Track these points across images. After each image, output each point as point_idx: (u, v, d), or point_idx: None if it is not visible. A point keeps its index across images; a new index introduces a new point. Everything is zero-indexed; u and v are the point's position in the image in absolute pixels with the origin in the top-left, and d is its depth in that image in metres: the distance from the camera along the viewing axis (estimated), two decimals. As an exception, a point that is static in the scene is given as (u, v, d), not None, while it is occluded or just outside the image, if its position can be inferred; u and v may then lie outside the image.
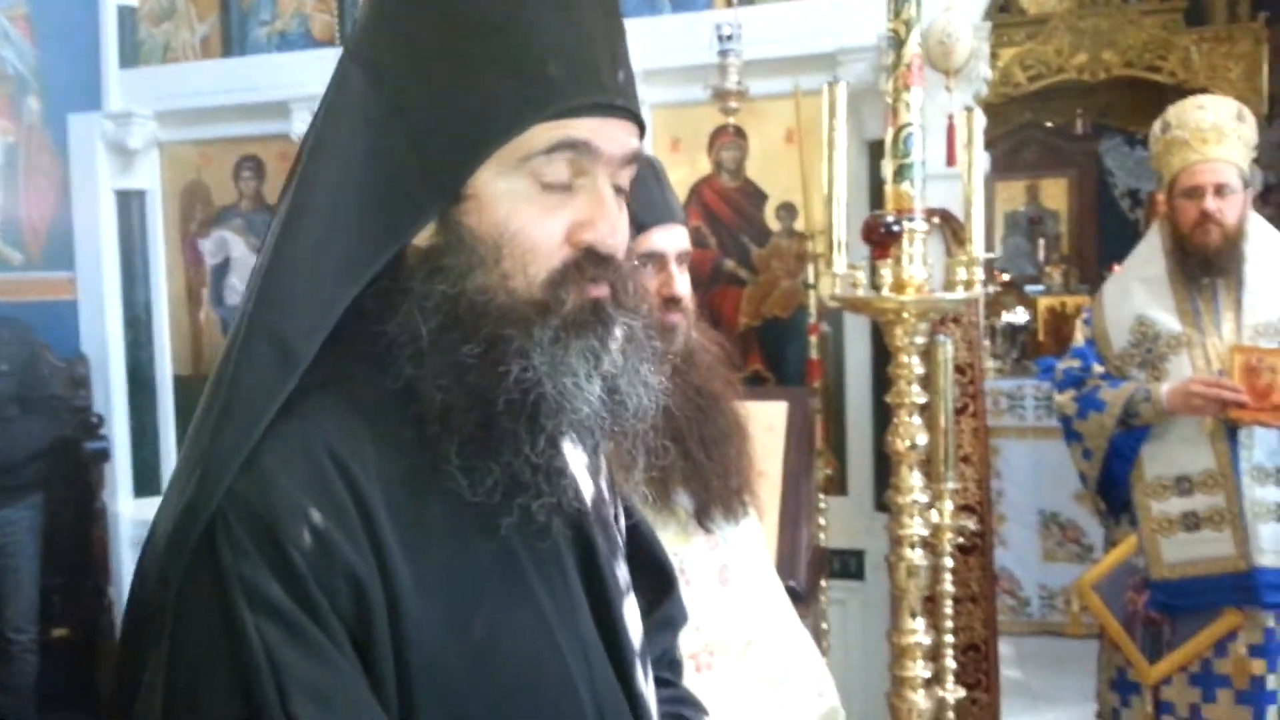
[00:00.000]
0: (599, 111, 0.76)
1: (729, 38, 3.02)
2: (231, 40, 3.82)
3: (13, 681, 3.34)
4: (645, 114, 3.62)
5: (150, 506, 3.90)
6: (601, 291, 0.78)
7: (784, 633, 1.62)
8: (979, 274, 1.93)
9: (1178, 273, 2.50)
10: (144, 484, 3.93)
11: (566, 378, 0.75)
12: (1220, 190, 2.42)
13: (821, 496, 2.94)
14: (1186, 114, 2.50)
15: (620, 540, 0.94)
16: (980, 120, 2.05)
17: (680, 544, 1.47)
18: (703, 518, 1.48)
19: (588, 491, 0.87)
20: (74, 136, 3.89)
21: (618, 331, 0.78)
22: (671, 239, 1.51)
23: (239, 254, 3.85)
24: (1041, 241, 7.49)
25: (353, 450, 0.71)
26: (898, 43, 1.84)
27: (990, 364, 5.20)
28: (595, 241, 0.77)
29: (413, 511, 0.73)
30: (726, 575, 1.54)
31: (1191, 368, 2.42)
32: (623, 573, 0.90)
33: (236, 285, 3.86)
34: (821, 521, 2.93)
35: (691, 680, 1.43)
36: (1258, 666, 2.38)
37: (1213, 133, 2.44)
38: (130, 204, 3.91)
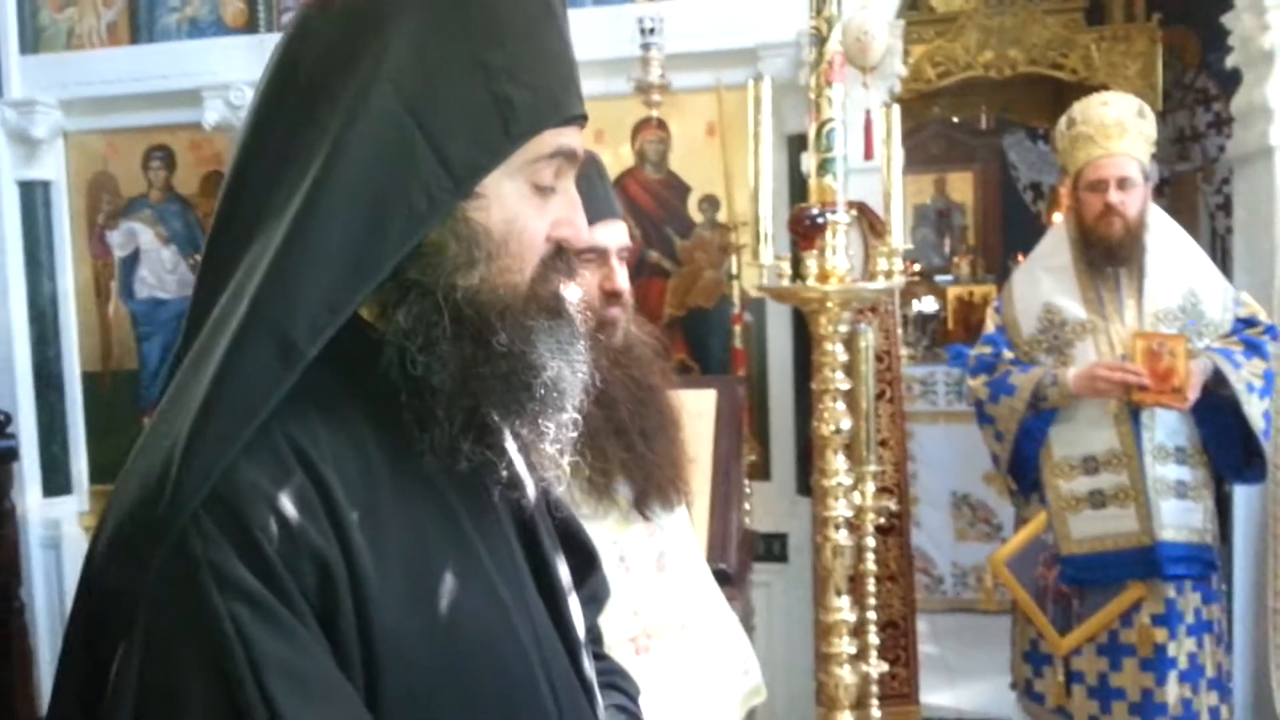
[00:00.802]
0: (577, 122, 0.85)
1: (651, 31, 3.06)
2: (139, 26, 3.70)
3: (-84, 690, 3.21)
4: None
5: (61, 506, 3.81)
6: (568, 285, 0.85)
7: (714, 615, 1.68)
8: (898, 265, 2.00)
9: (1082, 262, 2.59)
10: (53, 483, 3.82)
11: (557, 361, 0.82)
12: (1123, 184, 2.51)
13: (746, 482, 3.01)
14: (1091, 110, 2.58)
15: (555, 536, 0.99)
16: (898, 116, 2.13)
17: (620, 532, 1.51)
18: (641, 506, 1.51)
19: (530, 487, 0.93)
20: (-27, 126, 3.75)
21: (579, 321, 0.86)
22: (614, 234, 1.54)
23: (148, 245, 3.75)
24: (949, 233, 7.72)
25: (313, 441, 0.74)
26: (819, 40, 1.90)
27: (903, 351, 5.35)
28: (570, 237, 0.85)
29: (373, 498, 0.76)
30: (664, 561, 1.58)
31: (1096, 353, 2.52)
32: (564, 571, 0.95)
33: (146, 277, 3.76)
34: (746, 506, 3.00)
35: (630, 662, 1.47)
36: (1160, 635, 2.49)
37: (1115, 128, 2.53)
38: (34, 195, 3.77)
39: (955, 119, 7.04)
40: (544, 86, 0.81)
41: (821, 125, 1.92)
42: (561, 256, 0.84)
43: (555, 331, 0.83)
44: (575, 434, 0.87)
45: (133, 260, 3.77)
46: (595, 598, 1.10)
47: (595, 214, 1.51)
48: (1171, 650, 2.50)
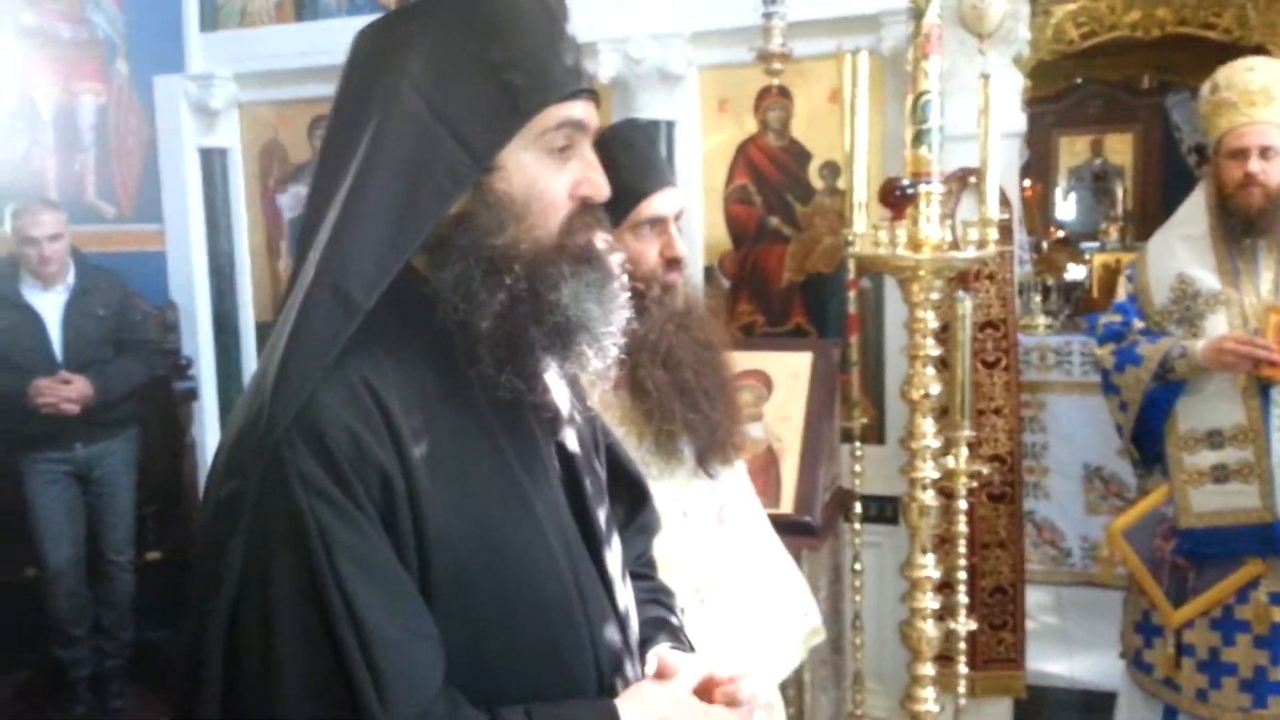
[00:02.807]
0: (584, 95, 1.00)
1: (773, 0, 3.10)
2: (304, 4, 4.02)
3: (113, 598, 3.63)
4: (693, 76, 3.73)
5: (235, 443, 4.21)
6: (598, 236, 1.00)
7: (773, 563, 1.77)
8: (993, 234, 2.03)
9: (1219, 232, 2.53)
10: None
11: (587, 303, 0.97)
12: (1265, 152, 2.44)
13: (859, 445, 3.07)
14: (1235, 75, 2.50)
15: (599, 469, 1.14)
16: (1014, 84, 2.13)
17: (684, 488, 1.61)
18: (704, 464, 1.61)
19: (572, 419, 1.09)
20: (159, 97, 4.14)
21: (611, 266, 1.00)
22: (671, 202, 1.63)
23: (311, 208, 4.08)
24: (1105, 197, 7.39)
25: (380, 376, 0.92)
26: (917, 14, 1.94)
27: (1042, 320, 5.22)
28: (592, 194, 1.00)
29: (428, 422, 0.93)
30: (724, 514, 1.68)
31: (1228, 325, 2.46)
32: (604, 506, 1.10)
33: (312, 239, 4.09)
34: (857, 468, 3.06)
35: (695, 611, 1.60)
36: (1277, 614, 2.45)
37: (1260, 95, 2.45)
38: (213, 161, 4.15)
39: (1114, 79, 6.71)
40: (543, 70, 0.96)
41: (918, 97, 1.97)
42: (587, 211, 1.00)
43: (585, 276, 0.97)
44: (616, 366, 1.01)
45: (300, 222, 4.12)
46: (647, 528, 1.25)
47: (653, 183, 1.61)
48: (1289, 629, 2.45)
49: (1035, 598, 4.11)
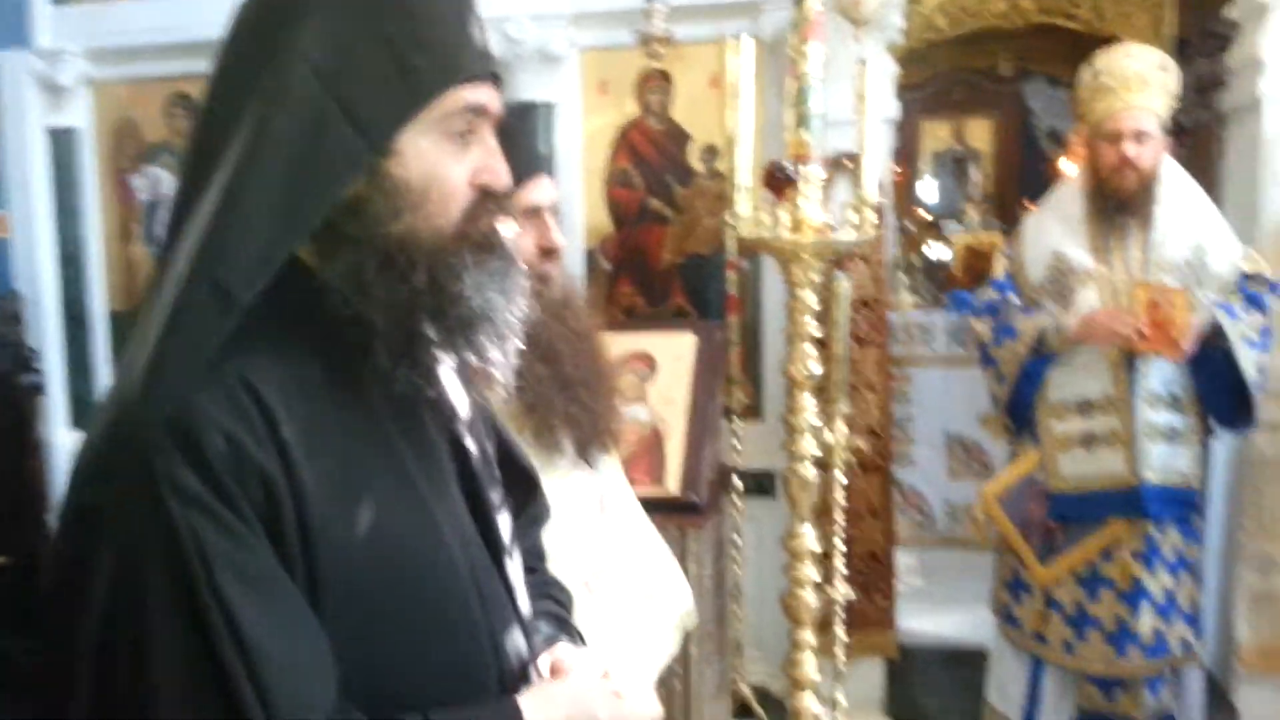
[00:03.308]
0: (488, 79, 0.95)
1: (653, -16, 3.13)
2: (163, -23, 3.82)
3: (-41, 605, 3.43)
4: (574, 57, 3.74)
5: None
6: (501, 224, 0.97)
7: (650, 547, 1.80)
8: (871, 217, 2.10)
9: (1094, 212, 2.62)
10: (80, 416, 3.99)
11: (489, 293, 0.93)
12: (1140, 137, 2.53)
13: (738, 422, 3.15)
14: (1114, 61, 2.59)
15: (495, 466, 1.11)
16: (887, 70, 2.20)
17: (565, 479, 1.60)
18: (585, 454, 1.61)
19: (466, 415, 1.06)
20: (4, 74, 3.88)
21: (513, 254, 0.98)
22: (545, 191, 1.61)
23: (169, 190, 3.90)
24: (972, 180, 7.71)
25: (262, 375, 0.86)
26: (800, -1, 1.98)
27: (908, 298, 5.44)
28: (493, 181, 0.95)
29: (315, 423, 0.88)
30: (605, 503, 1.69)
31: (1099, 301, 2.57)
32: (495, 493, 1.08)
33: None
34: (737, 445, 3.13)
35: (583, 601, 1.61)
36: (1138, 570, 2.59)
37: (1136, 81, 2.54)
38: (61, 141, 3.92)
39: (976, 66, 7.01)
40: (444, 51, 0.91)
41: (800, 81, 2.01)
42: (489, 199, 0.96)
43: (488, 265, 0.94)
44: (515, 358, 0.99)
45: (156, 204, 3.93)
46: (538, 518, 1.24)
47: (523, 172, 1.60)
48: (1148, 584, 2.61)
49: (901, 560, 4.27)
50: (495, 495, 1.07)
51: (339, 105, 0.88)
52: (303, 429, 0.86)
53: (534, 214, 1.61)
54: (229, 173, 0.87)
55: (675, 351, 2.42)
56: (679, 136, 3.44)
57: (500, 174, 0.96)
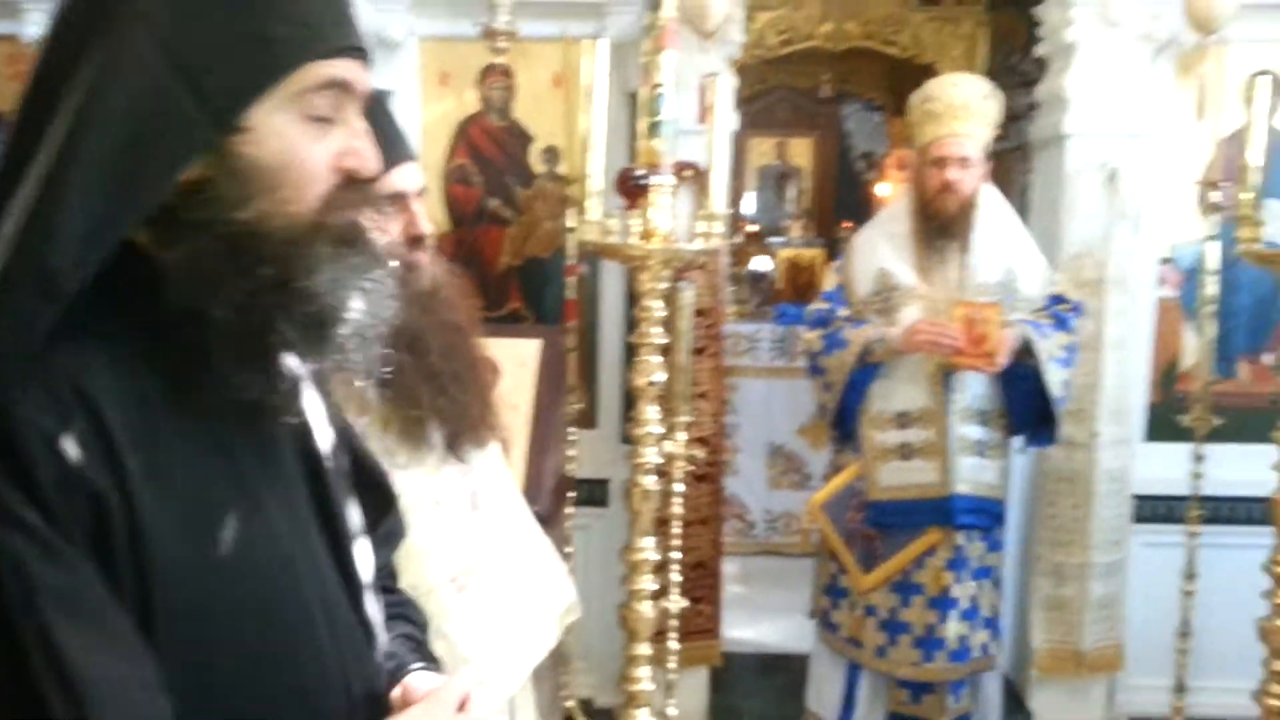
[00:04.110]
0: (350, 53, 0.86)
1: (499, -24, 3.05)
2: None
3: None
4: (413, 45, 3.58)
5: None
6: (365, 216, 0.87)
7: (529, 544, 1.76)
8: (719, 228, 2.11)
9: (919, 232, 2.75)
10: None
11: (347, 290, 0.84)
12: (963, 162, 2.66)
13: (573, 429, 3.11)
14: (943, 89, 2.73)
15: (350, 481, 1.02)
16: (728, 84, 2.22)
17: (434, 475, 1.55)
18: (455, 449, 1.55)
19: (322, 426, 0.96)
20: None
21: (379, 250, 0.89)
22: (412, 177, 1.54)
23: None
24: (787, 196, 8.00)
25: (92, 376, 0.76)
26: (654, 5, 1.97)
27: (734, 308, 5.56)
28: (358, 166, 0.87)
29: (151, 433, 0.78)
30: (477, 499, 1.63)
31: (921, 317, 2.68)
32: (354, 513, 0.99)
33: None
34: (572, 453, 3.09)
35: (453, 601, 1.54)
36: (948, 578, 2.71)
37: (961, 109, 2.67)
38: None
39: (799, 86, 7.27)
40: (306, 20, 0.82)
41: (652, 90, 1.99)
42: (353, 186, 0.87)
43: (347, 259, 0.85)
44: (380, 365, 0.90)
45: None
46: (391, 535, 1.15)
47: (391, 157, 1.52)
48: (955, 592, 2.73)
49: (725, 568, 4.38)
50: (351, 513, 0.99)
51: (182, 75, 0.78)
52: (136, 439, 0.77)
53: (400, 201, 1.53)
54: (56, 146, 0.76)
55: (519, 357, 2.36)
56: (520, 136, 3.37)
57: (367, 158, 0.87)
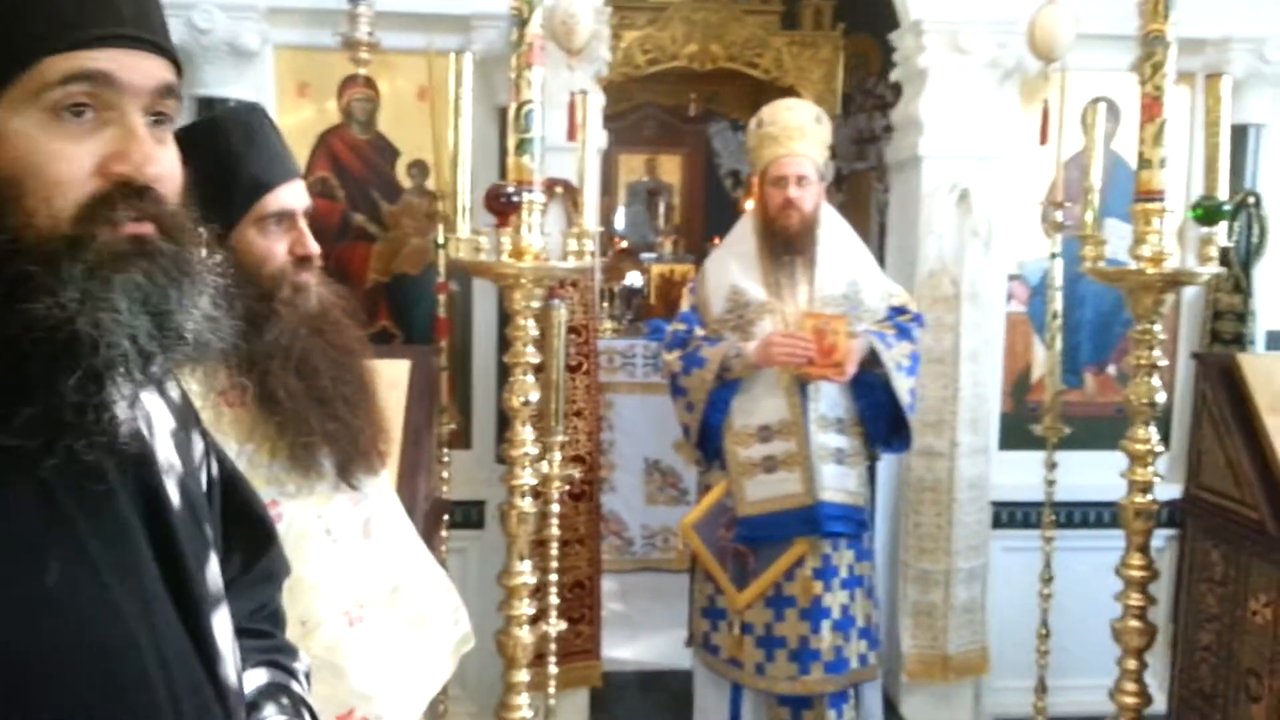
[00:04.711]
0: (118, 43, 0.77)
1: (362, -13, 2.97)
2: None
3: None
4: (269, 54, 3.44)
5: None
6: (144, 228, 0.77)
7: (423, 572, 1.70)
8: (590, 245, 2.10)
9: (765, 250, 2.81)
10: None
11: (105, 313, 0.74)
12: (801, 181, 2.75)
13: (445, 450, 3.03)
14: (777, 113, 2.82)
15: (209, 519, 0.94)
16: (597, 101, 2.22)
17: (325, 505, 1.48)
18: (347, 476, 1.49)
19: (165, 444, 0.87)
20: None
21: (166, 265, 0.78)
22: (298, 195, 1.49)
23: None
24: (657, 212, 8.08)
25: None
26: (520, 22, 1.93)
27: (607, 324, 5.56)
28: (130, 172, 0.77)
29: None
30: (370, 528, 1.57)
31: (774, 330, 2.74)
32: (212, 567, 0.90)
33: None
34: (445, 474, 3.02)
35: (345, 635, 1.46)
36: (817, 588, 2.75)
37: (797, 131, 2.76)
38: None
39: (666, 104, 7.35)
40: (42, 11, 0.74)
41: (521, 106, 1.96)
42: (124, 194, 0.76)
43: (112, 279, 0.75)
44: (203, 390, 0.83)
45: None
46: (271, 575, 1.08)
47: (278, 175, 1.47)
48: (827, 601, 2.77)
49: (603, 587, 4.36)
50: (199, 546, 0.89)
51: None
52: None
53: (287, 219, 1.46)
54: None
55: (389, 377, 2.27)
56: (385, 149, 3.28)
57: (142, 162, 0.77)
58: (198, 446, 0.94)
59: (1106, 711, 2.23)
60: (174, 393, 0.92)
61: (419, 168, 3.28)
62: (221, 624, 0.89)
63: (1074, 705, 3.32)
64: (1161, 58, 1.94)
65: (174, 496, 0.86)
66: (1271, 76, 3.46)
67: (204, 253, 0.83)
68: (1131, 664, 2.16)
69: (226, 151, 1.41)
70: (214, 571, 0.90)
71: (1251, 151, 3.52)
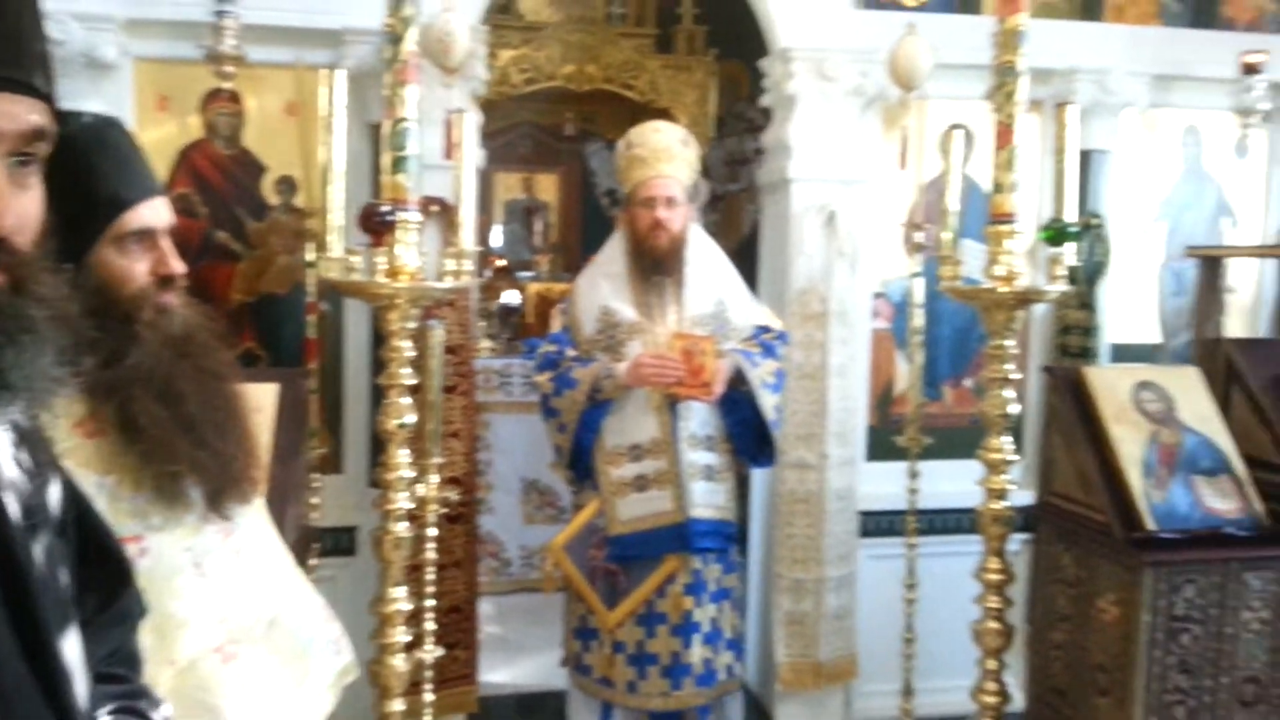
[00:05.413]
0: None
1: (227, -1, 2.88)
2: None
3: None
4: (128, 67, 3.31)
5: None
6: None
7: (301, 602, 1.64)
8: (468, 265, 2.08)
9: (635, 270, 2.84)
10: None
11: None
12: (669, 202, 2.79)
13: (316, 475, 2.95)
14: (645, 135, 2.86)
15: (61, 562, 0.88)
16: (474, 120, 2.20)
17: (194, 538, 1.41)
18: (218, 506, 1.43)
19: (7, 462, 0.83)
20: None
21: (4, 322, 0.74)
22: (159, 213, 1.43)
23: None
24: (535, 231, 8.07)
25: None
26: (395, 39, 1.91)
27: (485, 344, 5.51)
28: None
29: None
30: (243, 559, 1.51)
31: (644, 351, 2.77)
32: (58, 596, 0.85)
33: None
34: (315, 500, 2.94)
35: (219, 673, 1.39)
36: (688, 603, 2.79)
37: (665, 153, 2.81)
38: None
39: (543, 123, 7.38)
40: None
41: (396, 124, 1.94)
42: None
43: None
44: (40, 423, 0.79)
45: None
46: (126, 615, 1.03)
47: (137, 193, 1.41)
48: (697, 616, 2.81)
49: (480, 609, 4.30)
50: (48, 583, 0.84)
51: None
52: None
53: (148, 238, 1.39)
54: None
55: (255, 401, 2.19)
56: (251, 165, 3.18)
57: None
58: (50, 477, 0.89)
59: (969, 711, 2.32)
60: (19, 416, 0.87)
61: (287, 184, 3.20)
62: (71, 646, 0.84)
63: (938, 706, 3.45)
64: (1013, 87, 2.04)
65: (12, 510, 0.80)
66: (1114, 106, 3.71)
67: (59, 296, 0.78)
68: (991, 664, 2.25)
69: (82, 168, 1.35)
70: (64, 586, 0.85)
71: (1096, 176, 3.76)
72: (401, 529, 1.99)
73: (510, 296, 6.43)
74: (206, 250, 3.14)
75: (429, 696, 2.54)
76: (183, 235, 3.10)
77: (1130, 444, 2.57)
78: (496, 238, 8.01)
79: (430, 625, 2.54)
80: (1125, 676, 2.44)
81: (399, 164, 1.93)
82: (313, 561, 2.74)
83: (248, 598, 1.50)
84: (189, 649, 1.38)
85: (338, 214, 1.93)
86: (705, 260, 2.92)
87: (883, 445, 3.67)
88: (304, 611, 1.64)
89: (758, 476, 3.63)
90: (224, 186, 3.18)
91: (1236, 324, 3.88)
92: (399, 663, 2.01)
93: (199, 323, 1.47)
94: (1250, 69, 3.63)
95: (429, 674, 2.53)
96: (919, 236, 3.36)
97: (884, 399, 3.77)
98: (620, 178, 2.94)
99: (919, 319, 3.37)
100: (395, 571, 2.00)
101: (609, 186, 7.85)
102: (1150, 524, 2.45)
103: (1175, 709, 2.44)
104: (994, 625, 2.25)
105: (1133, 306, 3.91)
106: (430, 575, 2.50)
